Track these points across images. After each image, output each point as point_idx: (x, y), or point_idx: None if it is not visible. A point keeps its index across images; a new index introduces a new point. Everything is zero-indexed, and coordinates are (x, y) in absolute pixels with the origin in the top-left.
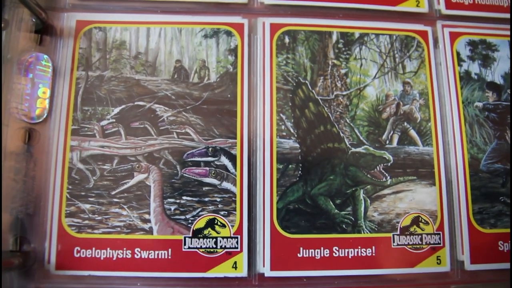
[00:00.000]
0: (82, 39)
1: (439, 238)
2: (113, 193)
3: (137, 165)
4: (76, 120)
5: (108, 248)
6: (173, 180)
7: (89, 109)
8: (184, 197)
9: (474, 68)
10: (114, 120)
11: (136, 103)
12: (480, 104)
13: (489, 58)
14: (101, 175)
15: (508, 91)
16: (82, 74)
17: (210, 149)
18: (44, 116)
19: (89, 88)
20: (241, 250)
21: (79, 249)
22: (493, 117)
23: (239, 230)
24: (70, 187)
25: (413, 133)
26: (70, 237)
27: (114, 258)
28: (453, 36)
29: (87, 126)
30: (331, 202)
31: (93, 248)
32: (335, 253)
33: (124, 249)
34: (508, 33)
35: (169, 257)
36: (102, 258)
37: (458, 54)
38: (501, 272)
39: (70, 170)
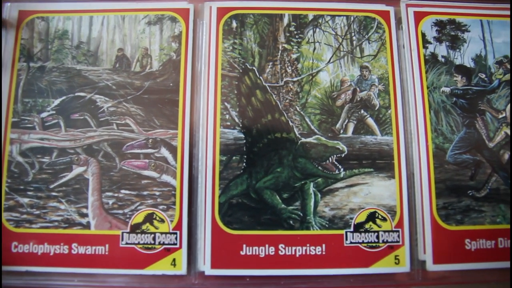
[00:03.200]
0: (24, 29)
1: (398, 236)
2: (51, 186)
3: (76, 158)
4: (17, 113)
5: (46, 243)
6: (111, 173)
7: (29, 101)
8: (122, 191)
9: (441, 50)
10: (54, 112)
11: (76, 94)
12: (447, 89)
13: (458, 39)
14: (40, 168)
15: (479, 75)
16: (24, 65)
17: (150, 140)
18: None
19: (30, 80)
20: (180, 247)
21: (16, 244)
22: (462, 103)
23: (178, 226)
24: (9, 180)
25: (370, 121)
26: (8, 232)
27: (51, 254)
28: (418, 16)
29: (27, 118)
30: (277, 196)
31: (31, 243)
32: (281, 251)
33: (61, 244)
34: (480, 12)
35: (106, 253)
36: (39, 254)
37: (423, 35)
38: (467, 273)
39: (9, 163)
